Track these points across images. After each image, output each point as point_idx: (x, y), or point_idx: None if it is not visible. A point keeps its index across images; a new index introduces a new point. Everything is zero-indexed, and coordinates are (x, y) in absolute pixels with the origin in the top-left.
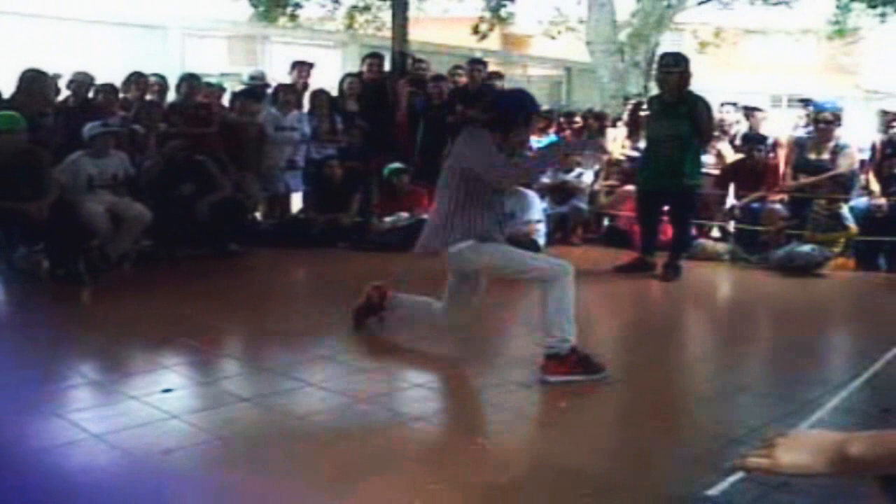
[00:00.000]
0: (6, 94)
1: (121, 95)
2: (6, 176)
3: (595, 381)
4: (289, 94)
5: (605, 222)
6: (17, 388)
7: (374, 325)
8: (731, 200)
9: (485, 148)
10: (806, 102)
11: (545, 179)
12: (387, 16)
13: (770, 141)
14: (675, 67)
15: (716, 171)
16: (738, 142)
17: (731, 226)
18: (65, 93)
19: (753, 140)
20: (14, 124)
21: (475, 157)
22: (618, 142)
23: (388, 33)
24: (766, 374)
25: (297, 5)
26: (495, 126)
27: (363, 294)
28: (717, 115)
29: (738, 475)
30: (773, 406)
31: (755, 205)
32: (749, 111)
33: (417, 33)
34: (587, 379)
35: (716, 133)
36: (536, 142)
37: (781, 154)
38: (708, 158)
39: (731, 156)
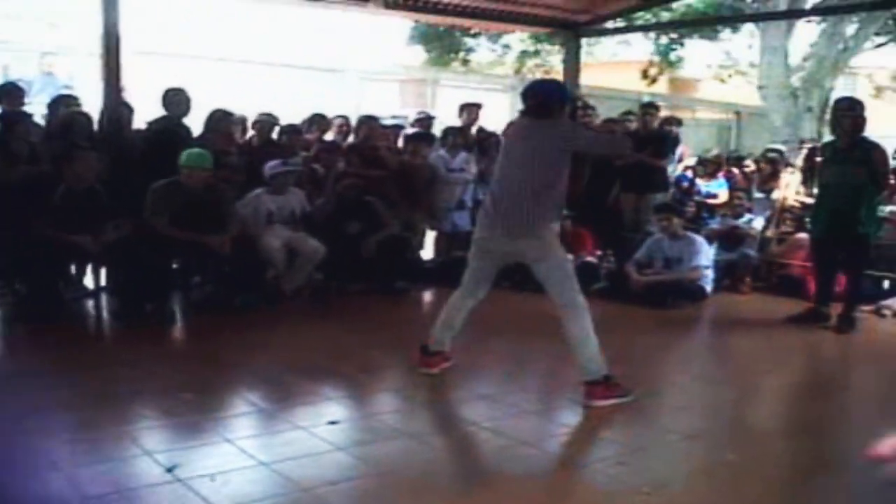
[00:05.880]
0: (196, 133)
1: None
2: (192, 209)
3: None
4: (457, 137)
5: (776, 271)
6: (186, 411)
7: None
8: None
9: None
10: None
11: (714, 225)
12: (555, 60)
13: None
14: (849, 112)
15: None
16: None
17: None
18: (250, 132)
19: None
20: (202, 161)
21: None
22: (791, 187)
23: (555, 77)
24: None
25: (470, 50)
26: (541, 113)
27: None
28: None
29: None
30: None
31: None
32: None
33: (585, 77)
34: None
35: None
36: (705, 185)
37: None
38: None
39: None
